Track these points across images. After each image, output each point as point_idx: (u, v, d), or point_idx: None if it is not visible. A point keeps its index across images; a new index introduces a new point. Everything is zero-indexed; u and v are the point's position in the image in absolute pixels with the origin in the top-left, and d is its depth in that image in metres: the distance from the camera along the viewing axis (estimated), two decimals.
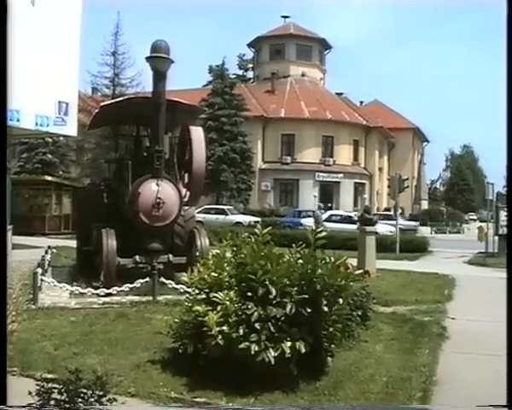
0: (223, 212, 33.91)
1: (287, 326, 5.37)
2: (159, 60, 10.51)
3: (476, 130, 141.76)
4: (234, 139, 40.33)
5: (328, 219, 29.67)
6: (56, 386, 3.43)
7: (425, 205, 61.75)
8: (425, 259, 20.32)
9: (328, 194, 46.53)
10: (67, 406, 3.19)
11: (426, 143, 68.28)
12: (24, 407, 2.63)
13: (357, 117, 51.23)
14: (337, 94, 54.81)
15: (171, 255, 10.99)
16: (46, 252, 13.31)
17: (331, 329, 5.73)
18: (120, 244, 10.42)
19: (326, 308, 5.58)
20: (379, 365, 6.26)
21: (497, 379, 3.74)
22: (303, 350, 5.30)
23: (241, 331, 5.26)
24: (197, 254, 10.75)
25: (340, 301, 5.83)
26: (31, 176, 31.99)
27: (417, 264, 17.82)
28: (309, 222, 25.17)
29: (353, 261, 11.69)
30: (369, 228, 14.73)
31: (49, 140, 34.00)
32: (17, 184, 24.31)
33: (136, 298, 9.68)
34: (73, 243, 14.01)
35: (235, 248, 6.18)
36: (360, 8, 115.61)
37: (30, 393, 3.40)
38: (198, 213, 22.28)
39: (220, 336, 5.32)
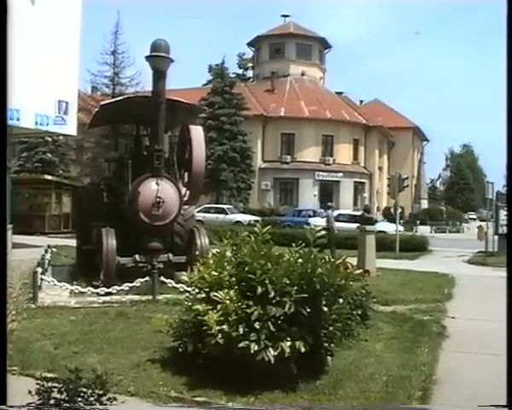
0: (222, 211, 33.90)
1: (286, 325, 5.37)
2: (158, 59, 10.51)
3: (476, 129, 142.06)
4: (234, 138, 40.29)
5: (336, 219, 29.73)
6: (56, 385, 3.44)
7: (425, 204, 61.71)
8: (425, 258, 20.33)
9: (327, 193, 46.39)
10: (67, 405, 3.20)
11: (426, 143, 68.20)
12: (24, 406, 2.64)
13: (357, 116, 51.15)
14: (337, 93, 54.72)
15: (170, 254, 11.01)
16: (46, 251, 13.30)
17: (331, 328, 5.72)
18: (120, 243, 10.43)
19: (326, 308, 5.58)
20: (379, 364, 6.26)
21: (497, 379, 3.74)
22: (303, 349, 5.30)
23: (240, 330, 5.26)
24: (197, 253, 10.77)
25: (340, 300, 5.83)
26: (31, 175, 31.94)
27: (417, 263, 17.84)
28: (317, 221, 24.97)
29: (353, 260, 11.72)
30: (369, 227, 14.75)
31: (49, 139, 34.00)
32: (17, 183, 24.27)
33: (136, 297, 9.68)
34: (73, 242, 14.00)
35: (235, 248, 6.17)
36: (360, 8, 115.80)
37: (30, 392, 3.40)
38: (198, 212, 22.28)
39: (220, 335, 5.32)
